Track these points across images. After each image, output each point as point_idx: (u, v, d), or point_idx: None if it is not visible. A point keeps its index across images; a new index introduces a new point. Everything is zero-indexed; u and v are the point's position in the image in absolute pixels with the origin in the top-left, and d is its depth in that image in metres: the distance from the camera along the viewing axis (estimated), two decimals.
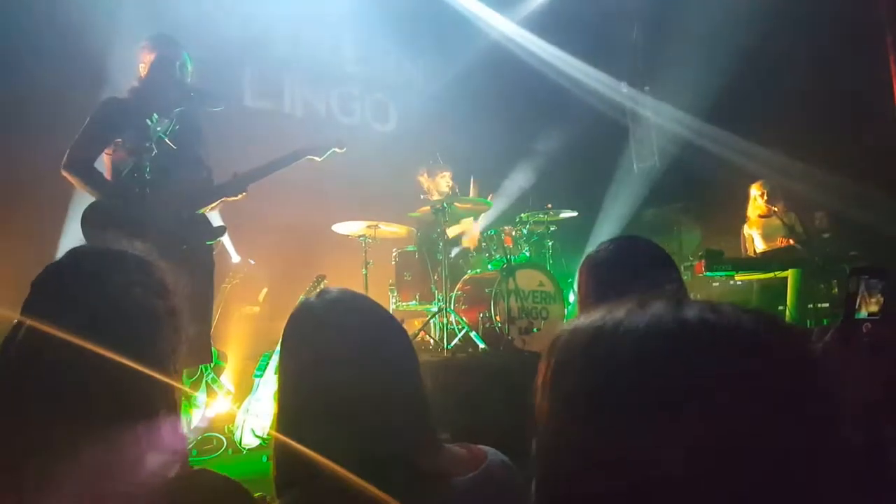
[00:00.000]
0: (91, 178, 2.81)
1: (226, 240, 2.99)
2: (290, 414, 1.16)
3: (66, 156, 2.82)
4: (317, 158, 3.43)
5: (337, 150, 3.50)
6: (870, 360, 1.09)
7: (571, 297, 5.18)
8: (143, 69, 2.94)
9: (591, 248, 1.79)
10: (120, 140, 2.71)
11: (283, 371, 1.20)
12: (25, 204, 4.36)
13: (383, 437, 1.08)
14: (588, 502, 0.54)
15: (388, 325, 1.23)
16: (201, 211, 2.97)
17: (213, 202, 3.02)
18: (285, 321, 1.24)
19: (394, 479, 1.00)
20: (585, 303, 1.71)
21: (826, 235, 6.19)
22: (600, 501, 0.53)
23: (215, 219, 3.24)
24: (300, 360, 1.18)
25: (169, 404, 0.97)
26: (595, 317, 0.60)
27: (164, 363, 0.99)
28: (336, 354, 1.15)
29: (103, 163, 2.88)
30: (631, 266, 1.66)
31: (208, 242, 2.96)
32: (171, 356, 1.02)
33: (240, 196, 3.07)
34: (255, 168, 3.11)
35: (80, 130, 2.86)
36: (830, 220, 6.64)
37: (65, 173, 2.82)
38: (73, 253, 1.04)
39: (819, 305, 5.24)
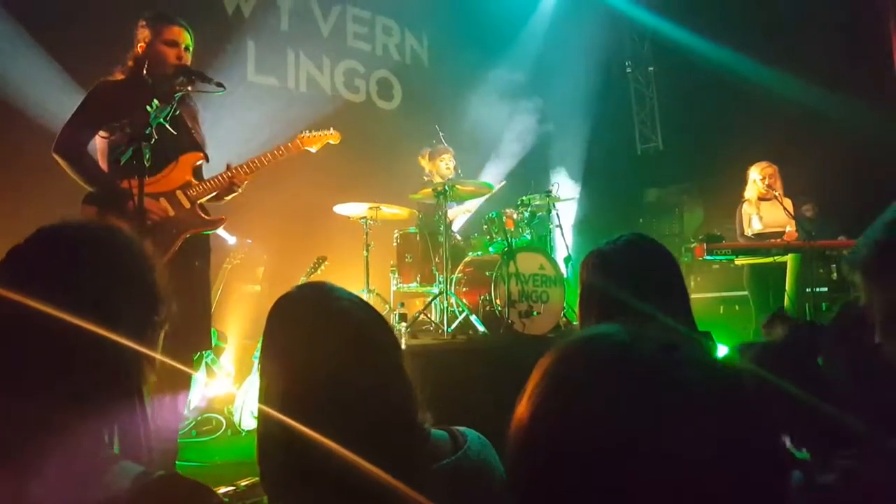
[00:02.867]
0: (81, 162, 2.75)
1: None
2: (278, 402, 1.13)
3: (56, 137, 2.77)
4: (312, 150, 3.39)
5: (332, 142, 3.46)
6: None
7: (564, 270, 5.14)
8: (140, 48, 2.87)
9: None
10: (118, 124, 2.66)
11: (270, 360, 1.18)
12: (34, 195, 4.32)
13: (369, 430, 1.08)
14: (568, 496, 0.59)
15: (378, 321, 1.23)
16: (201, 201, 2.93)
17: (210, 194, 2.97)
18: None
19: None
20: (586, 301, 1.67)
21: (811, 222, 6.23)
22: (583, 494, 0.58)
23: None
24: (290, 350, 1.16)
25: (132, 387, 0.97)
26: (594, 333, 0.66)
27: (135, 339, 0.97)
28: (328, 346, 1.14)
29: (96, 145, 2.83)
30: (634, 269, 1.62)
31: (206, 233, 2.93)
32: (144, 334, 1.00)
33: (237, 192, 3.02)
34: (247, 162, 3.04)
35: (72, 113, 2.81)
36: (816, 210, 6.65)
37: (55, 155, 2.76)
38: (47, 226, 1.03)
39: (818, 290, 5.25)
